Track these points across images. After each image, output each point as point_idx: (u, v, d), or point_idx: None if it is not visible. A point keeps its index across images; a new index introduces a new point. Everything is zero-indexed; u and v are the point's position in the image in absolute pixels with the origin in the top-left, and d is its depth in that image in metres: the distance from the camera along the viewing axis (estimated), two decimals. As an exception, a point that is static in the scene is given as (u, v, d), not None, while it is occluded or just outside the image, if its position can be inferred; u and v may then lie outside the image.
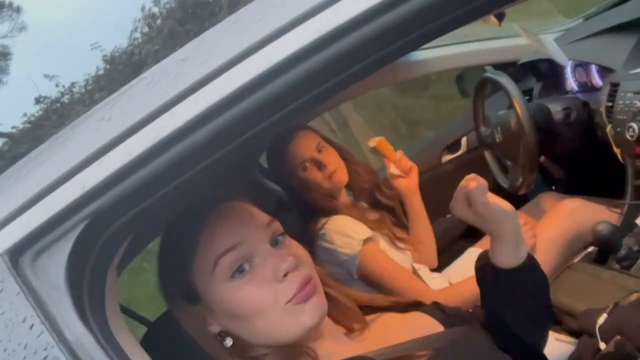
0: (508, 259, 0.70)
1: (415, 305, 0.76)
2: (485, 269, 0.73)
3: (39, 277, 0.45)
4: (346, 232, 1.30)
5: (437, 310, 0.74)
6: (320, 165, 1.35)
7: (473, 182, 0.68)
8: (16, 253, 0.46)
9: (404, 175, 1.51)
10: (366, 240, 1.29)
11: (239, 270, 0.59)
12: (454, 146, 2.06)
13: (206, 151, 0.47)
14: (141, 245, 0.70)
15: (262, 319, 0.59)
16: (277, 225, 0.64)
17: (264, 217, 0.64)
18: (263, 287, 0.59)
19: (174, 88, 0.46)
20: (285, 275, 0.60)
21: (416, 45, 0.45)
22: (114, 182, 0.46)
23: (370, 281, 1.30)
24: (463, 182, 0.69)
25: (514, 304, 0.72)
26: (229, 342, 0.62)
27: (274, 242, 0.63)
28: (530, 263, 0.71)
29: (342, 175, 1.39)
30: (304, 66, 0.45)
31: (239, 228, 0.61)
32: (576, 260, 1.34)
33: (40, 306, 0.44)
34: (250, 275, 0.60)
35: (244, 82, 0.46)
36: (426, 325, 0.70)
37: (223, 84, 0.46)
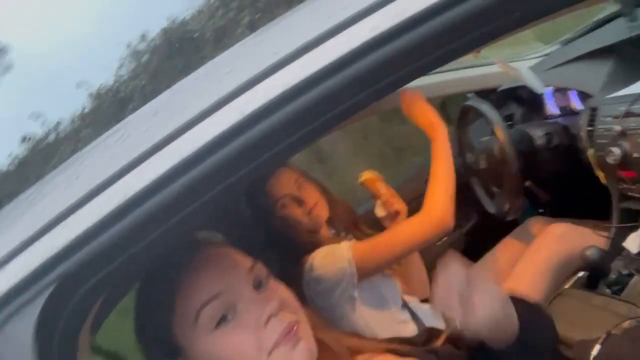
0: (496, 342, 0.65)
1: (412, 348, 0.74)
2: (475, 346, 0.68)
3: (6, 349, 0.43)
4: (331, 251, 1.28)
5: (431, 355, 0.72)
6: (299, 201, 1.33)
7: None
8: (-19, 322, 0.44)
9: (389, 218, 1.43)
10: (350, 245, 1.28)
11: (223, 319, 0.57)
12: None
13: (178, 206, 0.46)
14: (115, 301, 0.68)
15: None
16: (259, 268, 0.62)
17: (246, 262, 0.62)
18: (246, 336, 0.57)
19: (144, 143, 0.45)
20: (268, 320, 0.57)
21: (416, 75, 0.44)
22: (81, 243, 0.44)
23: (375, 270, 1.28)
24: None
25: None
26: None
27: (257, 285, 0.61)
28: (522, 340, 0.66)
29: (322, 210, 1.37)
30: (274, 117, 0.44)
31: (219, 276, 0.59)
32: (567, 286, 1.33)
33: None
34: (234, 324, 0.57)
35: (216, 134, 0.45)
36: None
37: (194, 137, 0.45)
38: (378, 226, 1.44)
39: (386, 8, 0.43)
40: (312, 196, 1.36)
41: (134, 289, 0.64)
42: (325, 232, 1.40)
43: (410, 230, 1.28)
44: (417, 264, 1.53)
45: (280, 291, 0.62)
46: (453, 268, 0.63)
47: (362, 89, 0.43)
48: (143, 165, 0.45)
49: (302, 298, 0.65)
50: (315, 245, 1.31)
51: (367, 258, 1.26)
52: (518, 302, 0.69)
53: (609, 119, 1.30)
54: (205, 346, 0.57)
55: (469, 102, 1.70)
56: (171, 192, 0.45)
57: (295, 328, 0.58)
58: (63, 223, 0.45)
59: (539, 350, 0.70)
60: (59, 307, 0.45)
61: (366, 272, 1.27)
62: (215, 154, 0.45)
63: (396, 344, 0.75)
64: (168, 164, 0.45)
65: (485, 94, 1.92)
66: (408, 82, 0.45)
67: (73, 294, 0.45)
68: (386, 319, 1.32)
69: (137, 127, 0.48)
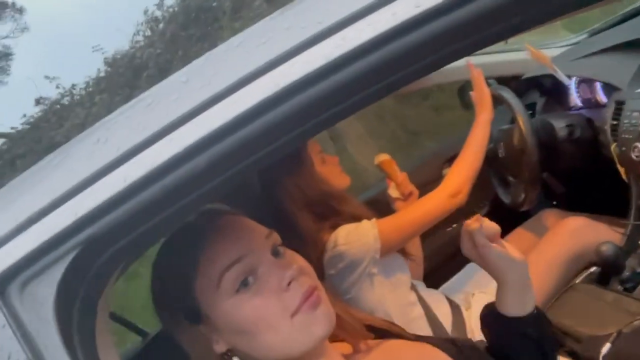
0: (512, 308, 0.70)
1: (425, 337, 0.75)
2: (490, 316, 0.72)
3: (27, 308, 0.43)
4: (354, 227, 1.29)
5: (449, 344, 0.72)
6: (334, 161, 1.36)
7: (476, 222, 0.67)
8: (4, 281, 0.44)
9: (402, 199, 1.50)
10: (374, 222, 1.29)
11: (244, 284, 0.58)
12: (454, 159, 2.05)
13: (206, 177, 0.45)
14: (127, 267, 0.68)
15: (272, 332, 0.57)
16: (276, 236, 0.63)
17: (263, 229, 0.63)
18: (270, 299, 0.58)
19: (174, 111, 0.45)
20: (289, 283, 0.58)
21: (428, 70, 0.43)
22: (108, 208, 0.44)
23: (397, 245, 1.32)
24: (468, 221, 0.69)
25: (519, 351, 0.71)
26: None
27: (275, 253, 0.62)
28: (537, 315, 0.71)
29: (347, 176, 1.39)
30: (310, 91, 0.43)
31: (240, 241, 0.60)
32: (578, 280, 1.33)
33: (27, 341, 0.42)
34: (256, 288, 0.58)
35: (247, 107, 0.44)
36: (436, 358, 0.68)
37: (225, 108, 0.44)
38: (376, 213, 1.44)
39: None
40: (337, 160, 1.39)
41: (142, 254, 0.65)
42: (354, 204, 1.40)
43: (429, 204, 1.32)
44: (417, 250, 1.55)
45: (297, 258, 0.64)
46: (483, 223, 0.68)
47: (402, 67, 0.41)
48: (172, 134, 0.44)
49: (319, 273, 0.66)
50: (342, 214, 1.31)
51: (391, 233, 1.28)
52: None
53: (636, 114, 1.27)
54: (228, 310, 0.58)
55: (491, 88, 1.67)
56: (200, 162, 0.44)
57: (315, 292, 0.59)
58: (91, 187, 0.44)
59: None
60: (81, 270, 0.45)
61: (388, 248, 1.29)
62: (246, 127, 0.44)
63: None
64: (197, 134, 0.44)
65: (507, 81, 1.88)
66: (448, 62, 0.44)
67: (96, 258, 0.45)
68: (398, 298, 1.33)
69: (167, 94, 0.47)
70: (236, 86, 0.43)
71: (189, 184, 0.45)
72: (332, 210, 1.31)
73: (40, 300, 0.44)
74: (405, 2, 0.39)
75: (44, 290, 0.44)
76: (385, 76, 0.42)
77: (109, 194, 0.44)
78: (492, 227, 0.69)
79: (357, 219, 1.30)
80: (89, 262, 0.45)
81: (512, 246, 0.70)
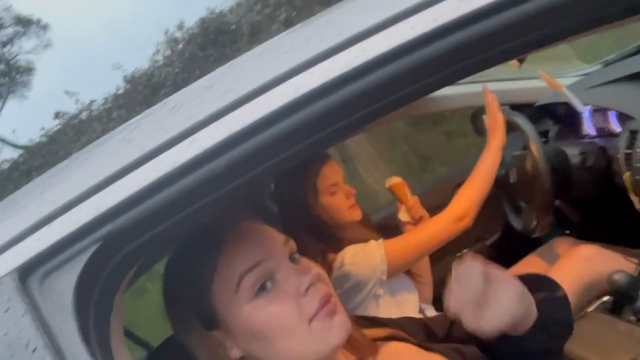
0: (512, 331, 0.63)
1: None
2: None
3: (46, 299, 0.45)
4: (362, 248, 1.29)
5: (456, 353, 0.71)
6: (347, 193, 1.35)
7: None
8: (26, 272, 0.45)
9: (413, 223, 1.49)
10: (381, 243, 1.29)
11: (262, 288, 0.58)
12: (465, 184, 2.05)
13: (224, 179, 0.46)
14: (146, 268, 0.69)
15: (289, 337, 0.57)
16: (293, 243, 0.63)
17: (281, 236, 0.63)
18: (288, 303, 0.58)
19: (196, 114, 0.46)
20: (307, 289, 0.58)
21: (446, 82, 0.45)
22: (129, 205, 0.45)
23: (403, 267, 1.33)
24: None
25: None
26: None
27: (292, 259, 0.62)
28: (539, 325, 0.64)
29: (359, 211, 1.38)
30: (329, 99, 0.44)
31: (259, 246, 0.60)
32: (590, 309, 1.31)
33: (46, 330, 0.43)
34: (274, 293, 0.58)
35: (267, 112, 0.45)
36: None
37: (246, 113, 0.46)
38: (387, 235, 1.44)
39: (444, 4, 0.43)
40: (353, 193, 1.38)
41: (163, 257, 0.65)
42: (357, 230, 1.40)
43: (434, 227, 1.32)
44: (427, 273, 1.54)
45: (314, 265, 0.64)
46: (470, 269, 0.59)
47: (418, 79, 0.43)
48: (193, 136, 0.46)
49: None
50: (343, 241, 1.32)
51: (397, 254, 1.28)
52: (534, 283, 0.67)
53: (650, 143, 1.27)
54: (245, 315, 0.57)
55: (504, 114, 1.68)
56: (219, 164, 0.46)
57: (332, 299, 0.59)
58: (113, 185, 0.46)
59: (555, 334, 0.67)
60: (100, 265, 0.46)
61: (395, 269, 1.28)
62: (265, 132, 0.46)
63: (420, 336, 0.74)
64: (218, 137, 0.46)
65: (520, 108, 1.89)
66: (462, 77, 0.45)
67: (115, 254, 0.46)
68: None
69: (190, 98, 0.49)
70: (257, 92, 0.45)
71: (207, 185, 0.46)
72: (332, 237, 1.31)
73: (60, 292, 0.45)
74: (423, 16, 0.41)
75: (64, 283, 0.45)
76: (402, 87, 0.44)
77: (130, 191, 0.45)
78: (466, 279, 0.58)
79: (361, 242, 1.30)
80: (108, 257, 0.46)
81: (501, 274, 0.60)
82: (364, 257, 1.27)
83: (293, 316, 0.57)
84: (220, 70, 0.50)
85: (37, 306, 0.44)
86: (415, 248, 1.31)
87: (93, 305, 0.45)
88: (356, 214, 1.36)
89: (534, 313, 0.64)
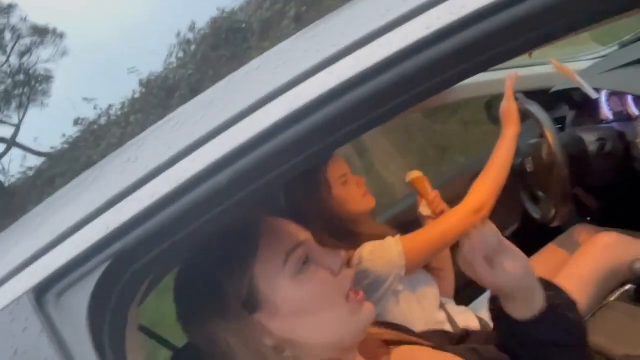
0: (517, 311, 0.67)
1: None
2: (498, 315, 0.71)
3: (62, 317, 0.46)
4: (379, 244, 1.29)
5: (472, 353, 0.71)
6: (358, 182, 1.36)
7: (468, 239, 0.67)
8: (41, 291, 0.47)
9: (434, 217, 1.47)
10: (398, 238, 1.29)
11: (305, 264, 0.62)
12: (482, 174, 2.02)
13: (227, 193, 0.47)
14: (158, 282, 0.71)
15: (331, 312, 0.61)
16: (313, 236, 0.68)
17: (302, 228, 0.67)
18: (328, 279, 0.62)
19: (198, 131, 0.47)
20: (341, 268, 0.63)
21: (437, 90, 0.44)
22: (137, 223, 0.47)
23: (422, 262, 1.32)
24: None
25: (532, 354, 0.68)
26: (288, 354, 0.60)
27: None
28: (549, 316, 0.66)
29: (372, 198, 1.39)
30: (326, 110, 0.45)
31: (296, 230, 0.64)
32: (612, 298, 1.28)
33: (62, 347, 0.45)
34: (314, 269, 0.62)
35: (266, 126, 0.46)
36: None
37: (246, 127, 0.46)
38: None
39: (446, 3, 0.43)
40: (363, 182, 1.39)
41: (175, 269, 0.66)
42: (372, 225, 1.40)
43: (452, 220, 1.30)
44: (448, 265, 1.52)
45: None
46: (490, 229, 0.67)
47: (411, 87, 0.43)
48: (197, 152, 0.47)
49: None
50: (359, 237, 1.32)
51: (415, 250, 1.27)
52: (552, 288, 0.71)
53: (669, 126, 1.24)
54: (291, 289, 0.60)
55: (518, 103, 1.65)
56: (221, 179, 0.46)
57: (360, 291, 0.64)
58: (121, 203, 0.47)
59: (563, 327, 0.69)
60: (112, 282, 0.48)
61: (413, 264, 1.27)
62: (266, 145, 0.46)
63: (433, 339, 0.74)
64: (219, 152, 0.46)
65: (535, 95, 1.86)
66: (456, 82, 0.45)
67: (126, 271, 0.48)
68: (424, 317, 1.31)
69: (192, 115, 0.50)
70: (256, 107, 0.46)
71: (212, 199, 0.47)
72: (349, 233, 1.31)
73: (74, 310, 0.46)
74: (415, 24, 0.41)
75: (78, 300, 0.47)
76: (398, 94, 0.43)
77: (137, 209, 0.47)
78: (481, 238, 0.67)
79: (377, 238, 1.30)
80: (119, 274, 0.48)
81: (509, 252, 0.67)
82: (382, 253, 1.26)
83: (333, 289, 0.61)
84: (220, 84, 0.50)
85: (53, 324, 0.46)
86: (433, 242, 1.30)
87: (107, 322, 0.47)
88: (370, 201, 1.37)
89: (539, 298, 0.67)
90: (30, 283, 0.47)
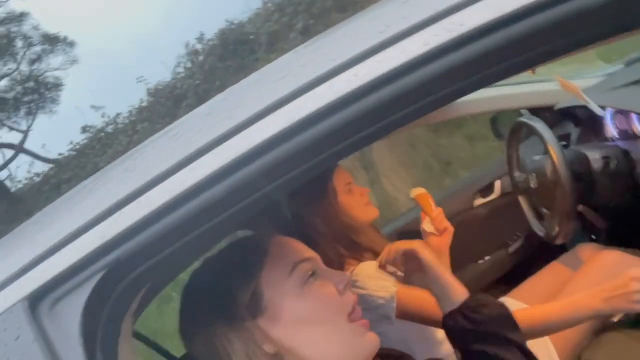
0: (442, 304, 0.81)
1: None
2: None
3: (55, 326, 0.46)
4: (378, 276, 1.27)
5: None
6: (362, 192, 1.35)
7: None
8: (35, 300, 0.47)
9: (437, 234, 1.46)
10: (396, 283, 1.26)
11: (312, 276, 0.63)
12: (487, 190, 2.02)
13: (224, 205, 0.47)
14: (154, 294, 0.71)
15: (331, 327, 0.61)
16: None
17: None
18: (332, 294, 0.63)
19: (196, 142, 0.47)
20: (345, 288, 0.64)
21: (435, 107, 0.44)
22: (133, 233, 0.47)
23: (412, 317, 1.26)
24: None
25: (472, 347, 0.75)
26: None
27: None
28: (468, 306, 0.79)
29: (375, 209, 1.38)
30: (324, 124, 0.45)
31: (307, 249, 0.67)
32: (616, 319, 1.27)
33: (54, 357, 0.45)
34: (320, 283, 0.64)
35: (265, 139, 0.46)
36: None
37: (245, 139, 0.47)
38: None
39: (444, 21, 0.43)
40: (367, 192, 1.38)
41: (172, 281, 0.66)
42: (371, 235, 1.39)
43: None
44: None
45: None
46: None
47: (410, 103, 0.43)
48: (194, 163, 0.47)
49: None
50: (359, 247, 1.31)
51: (410, 305, 1.22)
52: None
53: (674, 146, 1.23)
54: (296, 298, 0.61)
55: (522, 119, 1.65)
56: (218, 191, 0.46)
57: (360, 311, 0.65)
58: (117, 213, 0.47)
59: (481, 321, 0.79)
60: (107, 292, 0.47)
61: (406, 312, 1.22)
62: (263, 157, 0.46)
63: None
64: (217, 164, 0.46)
65: (540, 111, 1.85)
66: (467, 94, 0.45)
67: (120, 281, 0.48)
68: (424, 337, 1.29)
69: (190, 126, 0.50)
70: (254, 119, 0.46)
71: (208, 211, 0.47)
72: (351, 243, 1.30)
73: (67, 319, 0.46)
74: (414, 40, 0.41)
75: (72, 310, 0.46)
76: (396, 110, 0.44)
77: (134, 220, 0.47)
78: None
79: (379, 250, 1.28)
80: (114, 284, 0.48)
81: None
82: (376, 285, 1.23)
83: (336, 306, 0.62)
84: (219, 97, 0.51)
85: (46, 333, 0.46)
86: (427, 302, 1.22)
87: (100, 332, 0.47)
88: (373, 212, 1.36)
89: (456, 295, 0.83)
90: (24, 292, 0.47)
